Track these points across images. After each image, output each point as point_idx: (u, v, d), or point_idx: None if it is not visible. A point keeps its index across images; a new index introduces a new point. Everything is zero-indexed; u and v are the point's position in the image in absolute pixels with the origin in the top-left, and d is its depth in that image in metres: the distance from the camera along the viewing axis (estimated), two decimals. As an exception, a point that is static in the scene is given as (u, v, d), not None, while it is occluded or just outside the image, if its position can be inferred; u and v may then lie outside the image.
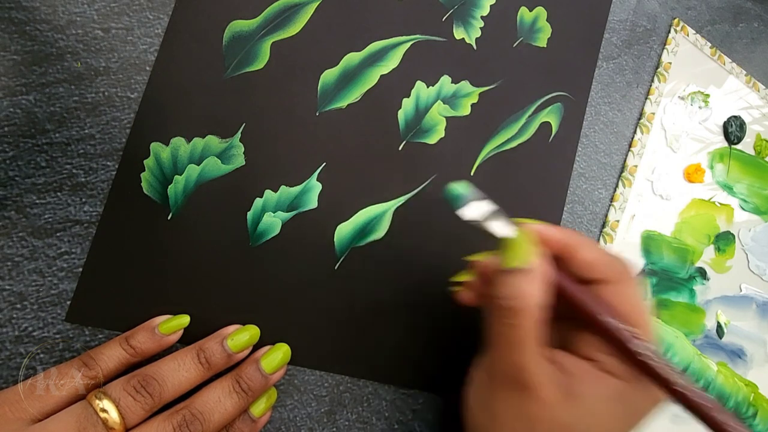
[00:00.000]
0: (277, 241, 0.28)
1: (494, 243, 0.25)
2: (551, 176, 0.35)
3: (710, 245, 0.40)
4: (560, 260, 0.24)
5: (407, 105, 0.31)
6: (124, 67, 0.26)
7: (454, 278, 0.28)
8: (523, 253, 0.23)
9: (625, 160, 0.38)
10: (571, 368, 0.23)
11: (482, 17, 0.33)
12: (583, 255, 0.24)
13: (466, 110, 0.32)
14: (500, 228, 0.24)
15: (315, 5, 0.29)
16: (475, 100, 0.33)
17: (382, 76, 0.30)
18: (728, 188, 0.41)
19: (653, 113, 0.39)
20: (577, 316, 0.24)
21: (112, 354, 0.22)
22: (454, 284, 0.28)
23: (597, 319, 0.23)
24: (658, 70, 0.39)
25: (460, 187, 0.25)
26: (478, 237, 0.28)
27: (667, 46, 0.40)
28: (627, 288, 0.24)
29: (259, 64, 0.28)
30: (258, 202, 0.27)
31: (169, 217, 0.26)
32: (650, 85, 0.39)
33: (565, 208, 0.35)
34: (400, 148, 0.31)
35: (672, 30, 0.40)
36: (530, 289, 0.22)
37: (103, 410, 0.20)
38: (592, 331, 0.23)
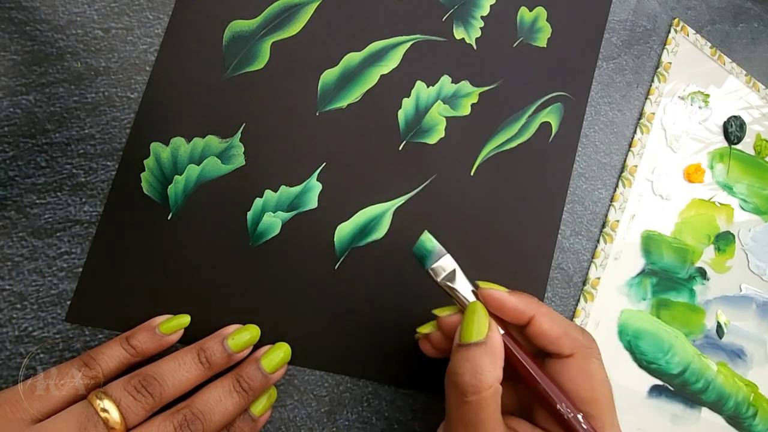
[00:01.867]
0: (277, 241, 0.28)
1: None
2: (551, 176, 0.35)
3: (710, 245, 0.40)
4: (521, 329, 0.25)
5: (407, 105, 0.31)
6: (124, 67, 0.26)
7: (420, 329, 0.27)
8: (479, 327, 0.23)
9: (625, 160, 0.38)
10: None
11: (482, 17, 0.33)
12: (539, 326, 0.24)
13: (466, 110, 0.32)
14: (461, 294, 0.24)
15: (315, 5, 0.29)
16: (475, 100, 0.33)
17: (382, 76, 0.30)
18: (728, 188, 0.41)
19: (653, 113, 0.39)
20: (528, 388, 0.24)
21: (112, 354, 0.22)
22: (418, 333, 0.27)
23: (541, 392, 0.23)
24: (658, 70, 0.39)
25: (429, 243, 0.25)
26: (475, 239, 0.28)
27: (667, 46, 0.40)
28: (581, 362, 0.23)
29: (259, 64, 0.28)
30: (258, 202, 0.27)
31: (169, 217, 0.26)
32: (650, 85, 0.39)
33: (565, 208, 0.35)
34: (400, 148, 0.31)
35: (672, 30, 0.40)
36: (485, 364, 0.22)
37: (104, 410, 0.20)
38: (540, 403, 0.23)
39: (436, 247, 0.25)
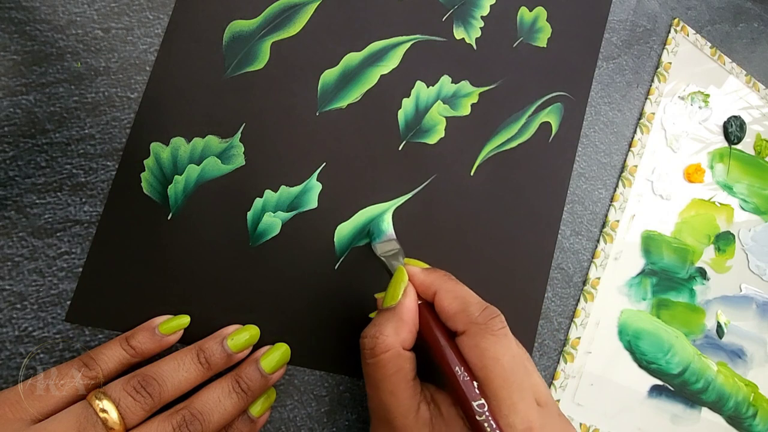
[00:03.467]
0: (277, 241, 0.28)
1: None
2: (551, 176, 0.35)
3: (710, 245, 0.40)
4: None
5: (407, 105, 0.31)
6: (124, 67, 0.26)
7: (371, 314, 0.29)
8: (392, 294, 0.24)
9: (625, 160, 0.38)
10: (445, 414, 0.22)
11: (482, 17, 0.33)
12: (440, 302, 0.24)
13: (466, 110, 0.32)
14: (392, 267, 0.26)
15: (315, 5, 0.29)
16: (475, 100, 0.33)
17: (382, 76, 0.30)
18: (728, 188, 0.41)
19: (653, 113, 0.39)
20: (433, 359, 0.23)
21: (112, 354, 0.22)
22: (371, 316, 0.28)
23: (440, 360, 0.22)
24: (658, 70, 0.39)
25: (383, 225, 0.28)
26: (473, 241, 0.28)
27: (667, 46, 0.40)
28: (473, 339, 0.22)
29: (259, 64, 0.28)
30: (258, 202, 0.27)
31: (169, 217, 0.26)
32: (650, 85, 0.39)
33: (565, 208, 0.35)
34: (400, 148, 0.31)
35: (672, 30, 0.40)
36: (386, 329, 0.23)
37: (103, 410, 0.20)
38: (444, 376, 0.22)
39: (389, 230, 0.28)
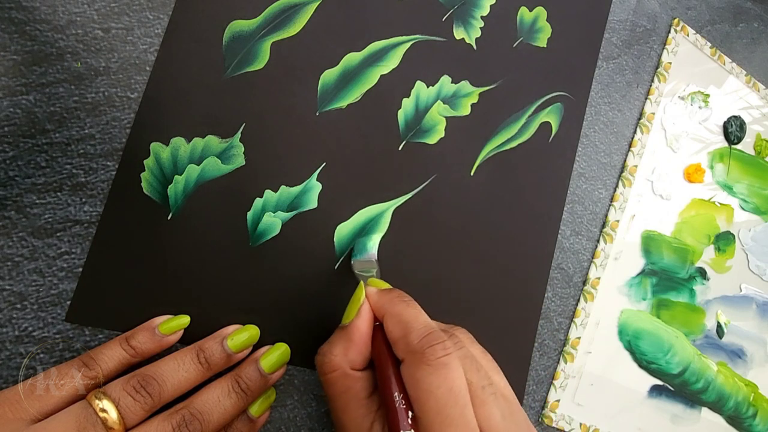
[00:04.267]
0: (277, 241, 0.28)
1: None
2: (551, 176, 0.35)
3: (710, 245, 0.40)
4: None
5: (407, 105, 0.31)
6: (124, 67, 0.26)
7: None
8: (348, 312, 0.24)
9: (625, 160, 0.38)
10: None
11: (482, 17, 0.33)
12: (386, 326, 0.23)
13: (466, 110, 0.32)
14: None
15: (315, 5, 0.29)
16: (475, 100, 0.33)
17: (382, 76, 0.30)
18: (728, 188, 0.41)
19: (653, 113, 0.39)
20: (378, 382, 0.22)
21: (112, 354, 0.22)
22: None
23: (382, 385, 0.22)
24: (658, 70, 0.39)
25: (369, 243, 0.28)
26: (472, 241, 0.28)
27: (667, 46, 0.40)
28: (408, 369, 0.21)
29: (259, 64, 0.28)
30: (258, 202, 0.27)
31: (169, 217, 0.26)
32: (650, 85, 0.39)
33: (565, 208, 0.35)
34: (400, 148, 0.31)
35: (672, 30, 0.40)
36: (335, 348, 0.23)
37: (103, 410, 0.20)
38: (383, 400, 0.22)
39: (372, 251, 0.28)
